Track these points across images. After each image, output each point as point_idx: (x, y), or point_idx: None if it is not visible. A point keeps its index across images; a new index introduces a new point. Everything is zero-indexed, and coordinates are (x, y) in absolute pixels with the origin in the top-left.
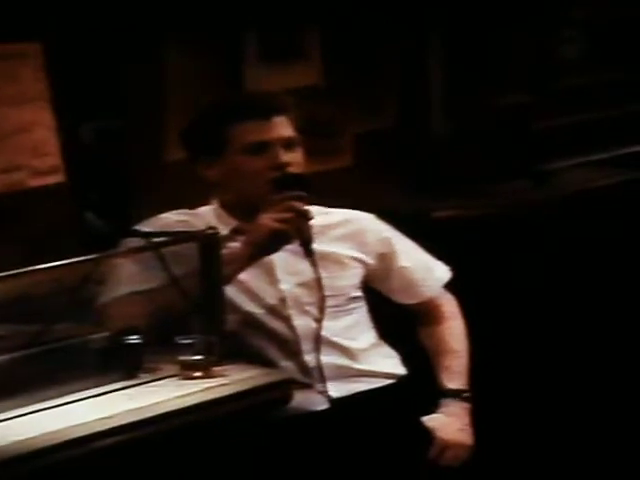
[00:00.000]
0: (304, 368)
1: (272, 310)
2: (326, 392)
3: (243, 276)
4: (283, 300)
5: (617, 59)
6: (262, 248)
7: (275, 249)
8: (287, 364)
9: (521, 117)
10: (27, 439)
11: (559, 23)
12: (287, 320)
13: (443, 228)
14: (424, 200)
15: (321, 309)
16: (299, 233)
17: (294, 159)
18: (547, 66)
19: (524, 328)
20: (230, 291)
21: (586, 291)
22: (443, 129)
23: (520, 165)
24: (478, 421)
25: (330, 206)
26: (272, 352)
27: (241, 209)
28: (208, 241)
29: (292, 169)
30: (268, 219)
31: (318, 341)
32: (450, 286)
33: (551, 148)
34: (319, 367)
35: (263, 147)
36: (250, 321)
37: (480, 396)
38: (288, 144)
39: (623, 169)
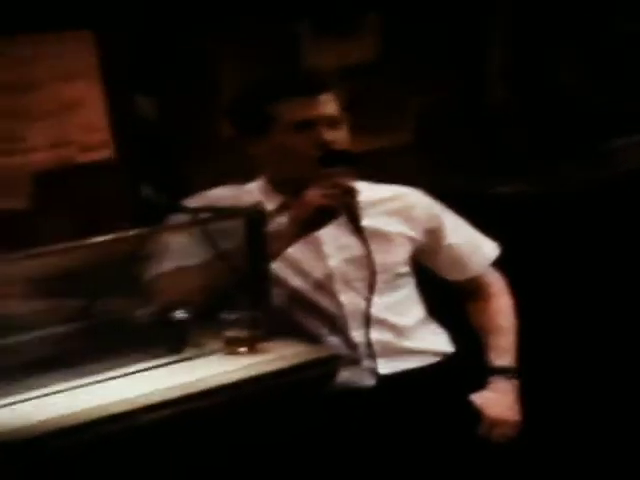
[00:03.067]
0: (351, 344)
1: (319, 286)
2: (374, 369)
3: (290, 251)
4: (330, 276)
5: None
6: (308, 224)
7: (321, 225)
8: (333, 340)
9: (583, 94)
10: (73, 413)
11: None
12: (334, 296)
13: (503, 205)
14: (485, 177)
15: (371, 285)
16: (346, 209)
17: (339, 137)
18: (603, 42)
19: (575, 308)
20: (277, 266)
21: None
22: (502, 105)
23: (576, 143)
24: (526, 398)
25: (387, 182)
26: (318, 328)
27: (288, 186)
28: (254, 217)
29: (337, 147)
30: (314, 195)
31: (368, 318)
32: (503, 264)
33: (611, 126)
34: (368, 344)
35: (308, 125)
36: (297, 296)
37: (529, 374)
38: (333, 122)
39: None
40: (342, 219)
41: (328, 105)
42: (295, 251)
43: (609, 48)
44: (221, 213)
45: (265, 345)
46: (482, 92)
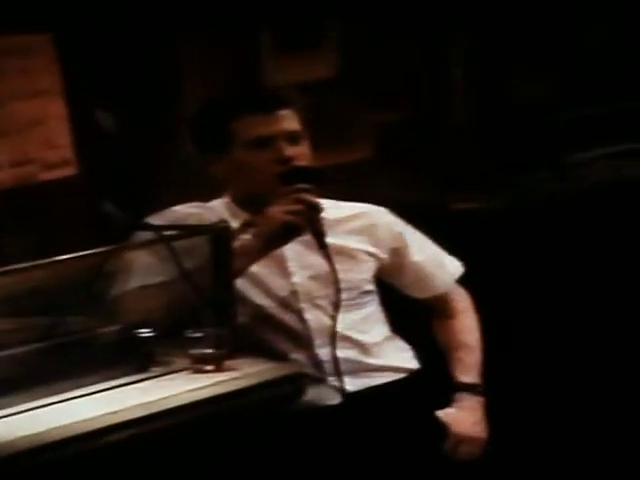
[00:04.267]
0: (316, 362)
1: (283, 303)
2: (340, 386)
3: (254, 269)
4: (295, 293)
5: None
6: (273, 240)
7: (286, 241)
8: (298, 357)
9: (541, 109)
10: (37, 433)
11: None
12: (299, 313)
13: (461, 220)
14: (443, 192)
15: (336, 303)
16: (310, 225)
17: (300, 152)
18: (566, 57)
19: (540, 322)
20: (241, 284)
21: (606, 285)
22: (462, 120)
23: (540, 157)
24: (492, 415)
25: (348, 198)
26: (283, 345)
27: (251, 203)
28: (220, 234)
29: (298, 163)
30: (278, 211)
31: (333, 335)
32: (467, 279)
33: (571, 140)
34: (334, 361)
35: (267, 141)
36: (261, 314)
37: (494, 390)
38: (293, 137)
39: None
40: (306, 236)
41: (288, 121)
42: (259, 268)
43: (575, 61)
44: (186, 230)
45: (231, 363)
46: (444, 107)
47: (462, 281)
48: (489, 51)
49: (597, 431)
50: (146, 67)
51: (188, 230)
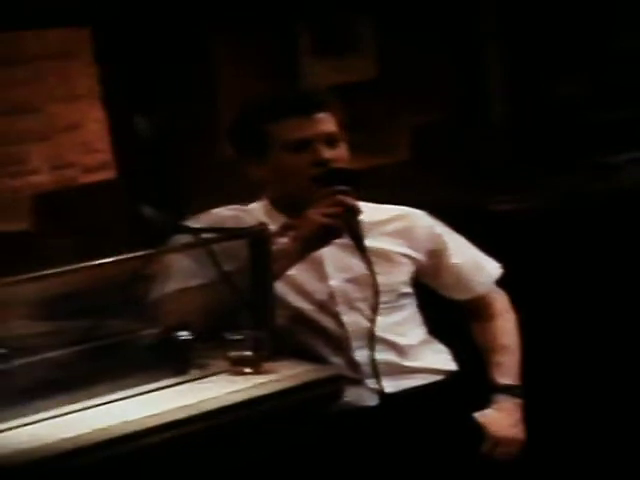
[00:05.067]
0: (353, 364)
1: (321, 306)
2: (378, 388)
3: (292, 272)
4: (332, 296)
5: None
6: (311, 243)
7: (324, 244)
8: (336, 360)
9: (580, 109)
10: (78, 436)
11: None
12: (336, 316)
13: (500, 221)
14: (481, 193)
15: (374, 306)
16: (349, 227)
17: (337, 155)
18: (606, 57)
19: (580, 323)
20: (279, 287)
21: None
22: (501, 120)
23: (579, 157)
24: (530, 417)
25: (386, 200)
26: (321, 348)
27: (289, 206)
28: (258, 237)
29: (336, 165)
30: (316, 214)
31: (372, 338)
32: (506, 281)
33: (610, 140)
34: (373, 364)
35: (305, 144)
36: (299, 317)
37: (532, 392)
38: (330, 140)
39: None
40: (344, 239)
41: (325, 123)
42: (297, 272)
43: (611, 62)
44: (225, 233)
45: (269, 365)
46: (481, 107)
47: (501, 283)
48: (527, 51)
49: (636, 434)
50: (184, 70)
51: (227, 233)
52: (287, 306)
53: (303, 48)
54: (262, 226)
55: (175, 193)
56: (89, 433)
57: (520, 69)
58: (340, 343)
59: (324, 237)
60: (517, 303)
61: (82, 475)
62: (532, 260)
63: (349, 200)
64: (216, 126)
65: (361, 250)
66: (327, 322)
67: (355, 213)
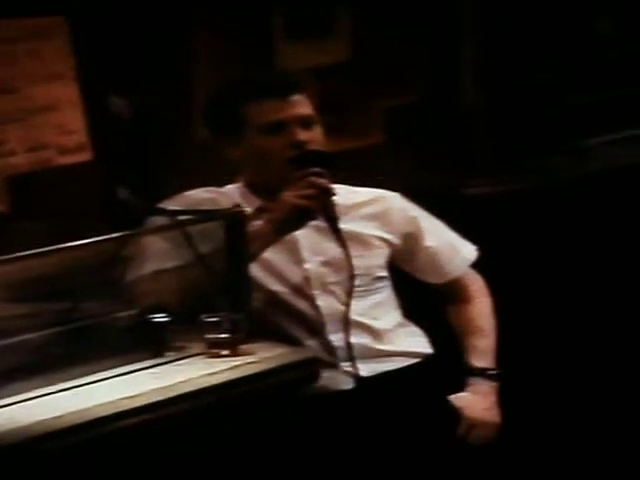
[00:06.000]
0: (328, 347)
1: (296, 289)
2: (353, 372)
3: (267, 255)
4: (307, 279)
5: None
6: (285, 225)
7: (299, 226)
8: (311, 343)
9: (555, 92)
10: (54, 417)
11: None
12: (311, 299)
13: (475, 205)
14: (455, 176)
15: (349, 289)
16: (323, 209)
17: (313, 137)
18: (582, 41)
19: (555, 306)
20: (254, 269)
21: (622, 268)
22: (476, 104)
23: (554, 141)
24: (506, 400)
25: (360, 183)
26: (296, 331)
27: (265, 188)
28: (234, 219)
29: (311, 147)
30: (290, 196)
31: (347, 322)
32: (481, 264)
33: (586, 124)
34: (348, 347)
35: (280, 126)
36: (274, 300)
37: (508, 375)
38: (306, 122)
39: None
40: (320, 222)
41: (301, 106)
42: (272, 254)
43: (590, 45)
44: (201, 215)
45: (246, 347)
46: (454, 91)
47: (476, 266)
48: (502, 34)
49: (610, 415)
50: (160, 51)
51: (203, 215)
52: (262, 289)
53: (278, 31)
54: (238, 208)
55: (151, 175)
56: (65, 415)
57: (494, 52)
58: (315, 326)
59: (299, 219)
60: (492, 286)
61: (58, 457)
62: (507, 243)
63: (323, 182)
64: (193, 108)
65: (335, 232)
66: (302, 305)
67: (329, 195)
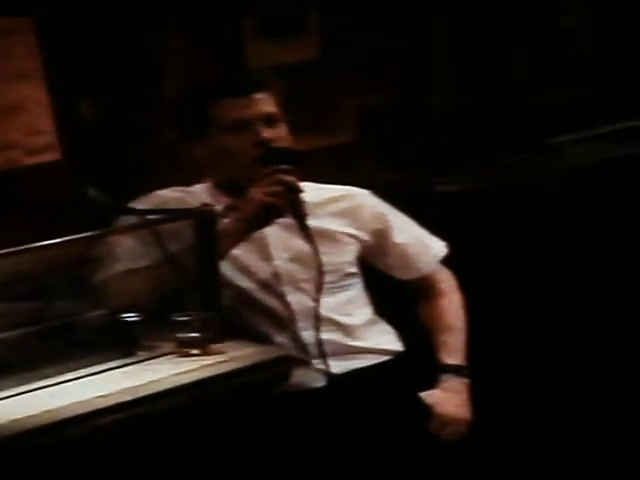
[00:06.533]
0: (300, 344)
1: (266, 286)
2: (325, 369)
3: (236, 252)
4: (277, 276)
5: (619, 30)
6: (253, 222)
7: (266, 223)
8: (282, 340)
9: (523, 90)
10: (25, 417)
11: None
12: (281, 296)
13: (445, 202)
14: (426, 174)
15: (319, 286)
16: (291, 206)
17: (277, 135)
18: (551, 38)
19: (524, 303)
20: (224, 267)
21: (587, 266)
22: (445, 102)
23: (522, 139)
24: (477, 396)
25: (331, 181)
26: (267, 328)
27: (232, 186)
28: (205, 218)
29: (277, 144)
30: (258, 193)
31: (317, 318)
32: (451, 260)
33: (553, 122)
34: (319, 344)
35: (244, 124)
36: (244, 297)
37: (478, 371)
38: (270, 120)
39: (626, 143)
40: (288, 219)
41: (264, 104)
42: (241, 252)
43: (558, 42)
44: (171, 214)
45: (217, 346)
46: (425, 88)
47: (446, 262)
48: (471, 32)
49: (583, 412)
50: (128, 51)
51: (173, 214)
52: (232, 286)
53: (248, 29)
54: (208, 207)
55: (120, 175)
56: (37, 415)
57: (464, 50)
58: (286, 323)
59: (266, 216)
60: (462, 283)
61: (31, 457)
62: (477, 240)
63: (290, 179)
64: (161, 108)
65: (304, 229)
66: (272, 302)
67: (296, 191)
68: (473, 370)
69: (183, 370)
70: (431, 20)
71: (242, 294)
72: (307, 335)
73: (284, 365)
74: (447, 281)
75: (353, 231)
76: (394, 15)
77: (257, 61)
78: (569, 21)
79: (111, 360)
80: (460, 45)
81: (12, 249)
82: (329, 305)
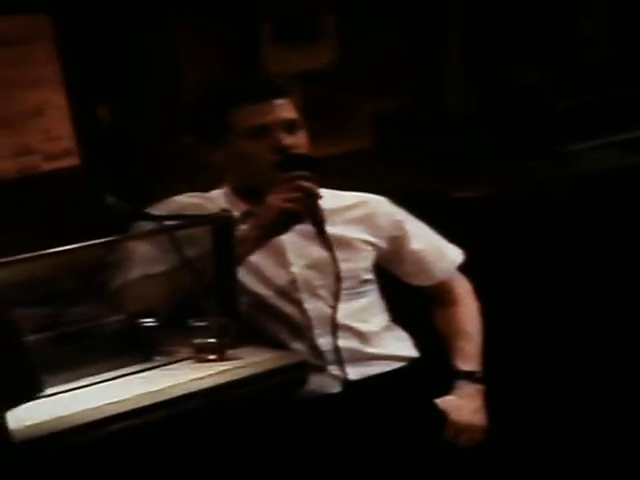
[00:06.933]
0: (316, 351)
1: (282, 293)
2: (342, 375)
3: (254, 258)
4: (294, 283)
5: (637, 36)
6: (272, 229)
7: (285, 229)
8: (299, 347)
9: (539, 96)
10: (42, 422)
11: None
12: (298, 303)
13: (461, 208)
14: (442, 180)
15: (336, 292)
16: (309, 212)
17: (297, 141)
18: (566, 43)
19: (541, 310)
20: (241, 273)
21: (602, 273)
22: (462, 107)
23: (539, 145)
24: (492, 403)
25: (347, 187)
26: (284, 335)
27: (250, 193)
28: (223, 223)
29: (295, 151)
30: (276, 199)
31: (334, 325)
32: (467, 267)
33: (571, 128)
34: (336, 350)
35: (264, 130)
36: (261, 304)
37: (494, 378)
38: (290, 126)
39: None
40: (306, 226)
41: (284, 110)
42: (258, 258)
43: (574, 48)
44: (189, 220)
45: (234, 352)
46: (440, 95)
47: (463, 269)
48: (488, 37)
49: (598, 420)
50: (147, 56)
51: (191, 220)
52: (249, 293)
53: (265, 35)
54: (226, 212)
55: (138, 180)
56: (53, 420)
57: (480, 56)
58: (302, 330)
59: (285, 222)
60: (478, 290)
61: (46, 462)
62: (493, 247)
63: (309, 185)
64: (180, 113)
65: (322, 235)
66: (289, 309)
67: (315, 197)
68: (488, 377)
69: (200, 375)
70: (446, 25)
71: (259, 300)
72: (324, 342)
73: (300, 371)
74: (463, 287)
75: (370, 238)
76: (409, 20)
77: (273, 67)
78: (586, 27)
79: (128, 365)
80: (476, 50)
81: (30, 254)
82: (346, 312)
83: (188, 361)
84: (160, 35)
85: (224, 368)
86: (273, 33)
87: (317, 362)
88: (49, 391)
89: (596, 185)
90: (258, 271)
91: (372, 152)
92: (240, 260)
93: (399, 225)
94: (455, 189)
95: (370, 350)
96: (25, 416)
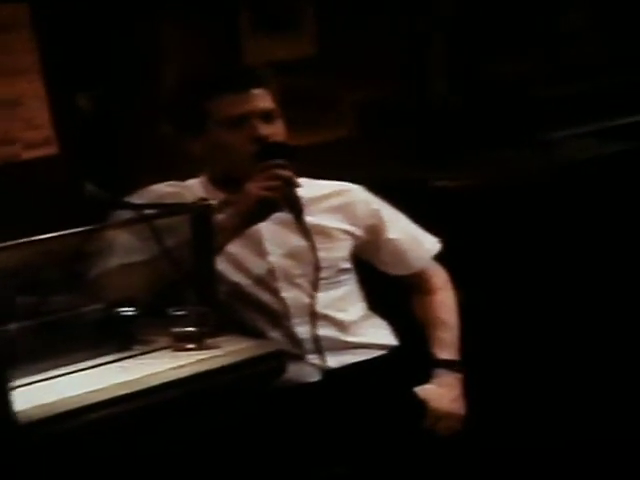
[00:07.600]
0: (294, 340)
1: (260, 281)
2: (320, 364)
3: (231, 248)
4: (271, 272)
5: (616, 27)
6: (250, 217)
7: (263, 217)
8: (277, 335)
9: (520, 86)
10: (20, 411)
11: None
12: (276, 292)
13: (441, 197)
14: (422, 169)
15: (315, 281)
16: (287, 200)
17: (274, 131)
18: (548, 36)
19: (518, 299)
20: (219, 262)
21: (582, 261)
22: (443, 97)
23: (519, 134)
24: (470, 391)
25: (327, 177)
26: (262, 324)
27: (228, 182)
28: (201, 212)
29: (273, 140)
30: (254, 187)
31: (313, 314)
32: (446, 256)
33: (552, 117)
34: (315, 339)
35: (241, 120)
36: (239, 293)
37: (472, 366)
38: (267, 116)
39: (621, 139)
40: (284, 214)
41: (261, 100)
42: (236, 247)
43: (554, 39)
44: (168, 209)
45: (212, 341)
46: (423, 84)
47: (440, 258)
48: (469, 28)
49: (577, 406)
50: (126, 45)
51: (169, 209)
52: (227, 282)
53: (245, 25)
54: (205, 201)
55: (117, 169)
56: (32, 409)
57: (462, 45)
58: (280, 319)
59: (263, 211)
60: (456, 279)
61: (25, 451)
62: (473, 237)
63: (287, 173)
64: (157, 103)
65: (300, 223)
66: (267, 298)
67: (293, 186)
68: (467, 365)
69: (179, 364)
70: (429, 15)
71: (237, 289)
72: (302, 330)
73: (279, 359)
74: (440, 277)
75: (347, 227)
76: (390, 10)
77: (254, 57)
78: (567, 20)
79: (107, 354)
80: (457, 41)
81: (8, 243)
82: (324, 301)
83: (167, 350)
84: (139, 24)
85: (203, 357)
86: (253, 23)
87: (295, 350)
88: (27, 380)
89: (576, 173)
90: (236, 260)
91: (353, 142)
92: (219, 249)
93: (376, 214)
94: (435, 178)
95: (349, 339)
96: None
